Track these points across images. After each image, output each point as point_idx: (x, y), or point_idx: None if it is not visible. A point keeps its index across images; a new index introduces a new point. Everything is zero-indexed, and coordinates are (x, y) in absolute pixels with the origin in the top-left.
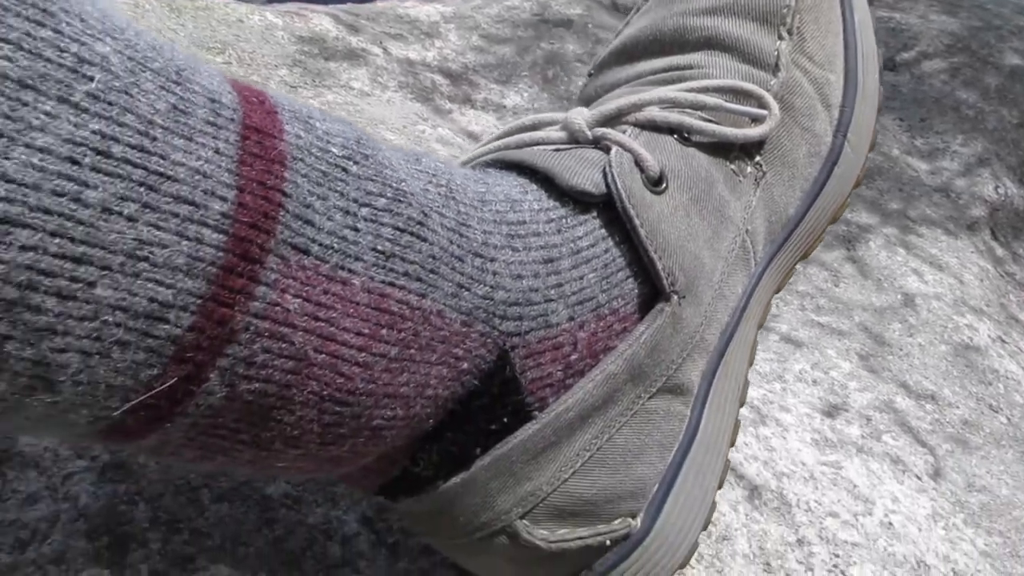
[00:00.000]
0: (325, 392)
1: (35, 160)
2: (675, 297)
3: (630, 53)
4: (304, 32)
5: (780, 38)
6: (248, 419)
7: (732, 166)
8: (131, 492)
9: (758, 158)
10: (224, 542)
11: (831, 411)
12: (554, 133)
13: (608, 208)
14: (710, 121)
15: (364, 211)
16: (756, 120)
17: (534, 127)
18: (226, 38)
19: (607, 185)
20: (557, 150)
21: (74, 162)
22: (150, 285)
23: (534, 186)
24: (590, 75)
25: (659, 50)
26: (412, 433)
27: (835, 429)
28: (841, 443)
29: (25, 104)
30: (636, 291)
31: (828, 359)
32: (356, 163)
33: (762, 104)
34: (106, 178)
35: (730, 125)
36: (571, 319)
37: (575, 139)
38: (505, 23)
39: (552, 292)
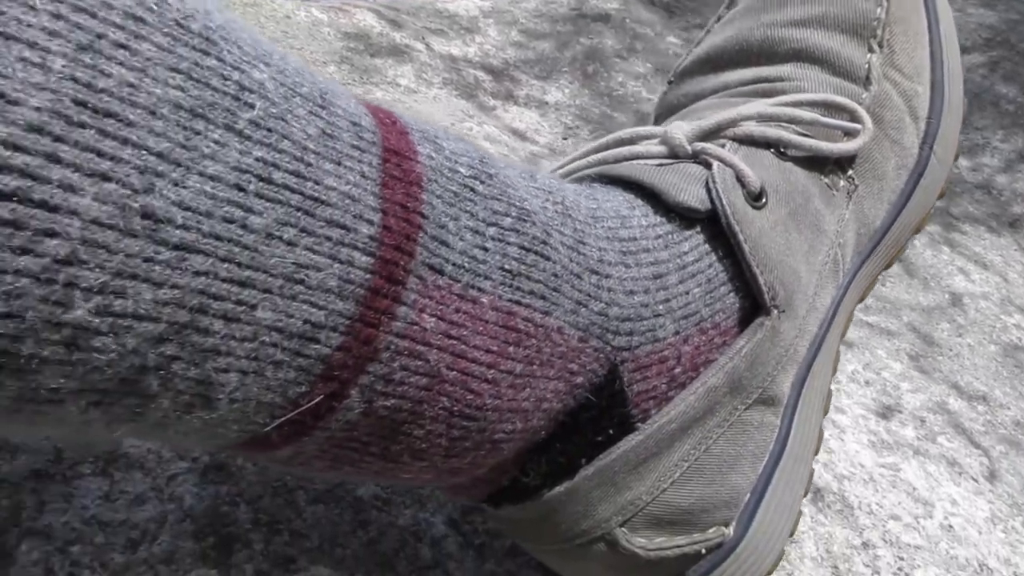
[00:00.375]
0: (455, 408)
1: (207, 188)
2: (775, 311)
3: (715, 62)
4: (349, 28)
5: (871, 51)
6: (380, 433)
7: (826, 180)
8: (232, 493)
9: (850, 171)
10: (322, 543)
11: (885, 412)
12: (653, 147)
13: (711, 223)
14: (806, 135)
15: (492, 230)
16: (849, 134)
17: (632, 141)
18: (275, 35)
19: (711, 201)
20: (660, 165)
21: (240, 189)
22: (305, 307)
23: (640, 202)
24: (670, 83)
25: (746, 60)
26: (525, 445)
27: (890, 431)
28: (897, 445)
29: (197, 133)
30: (737, 305)
31: (879, 359)
32: (482, 182)
33: (855, 118)
34: (268, 204)
35: (824, 139)
36: (676, 333)
37: (675, 153)
38: (543, 18)
39: (660, 307)
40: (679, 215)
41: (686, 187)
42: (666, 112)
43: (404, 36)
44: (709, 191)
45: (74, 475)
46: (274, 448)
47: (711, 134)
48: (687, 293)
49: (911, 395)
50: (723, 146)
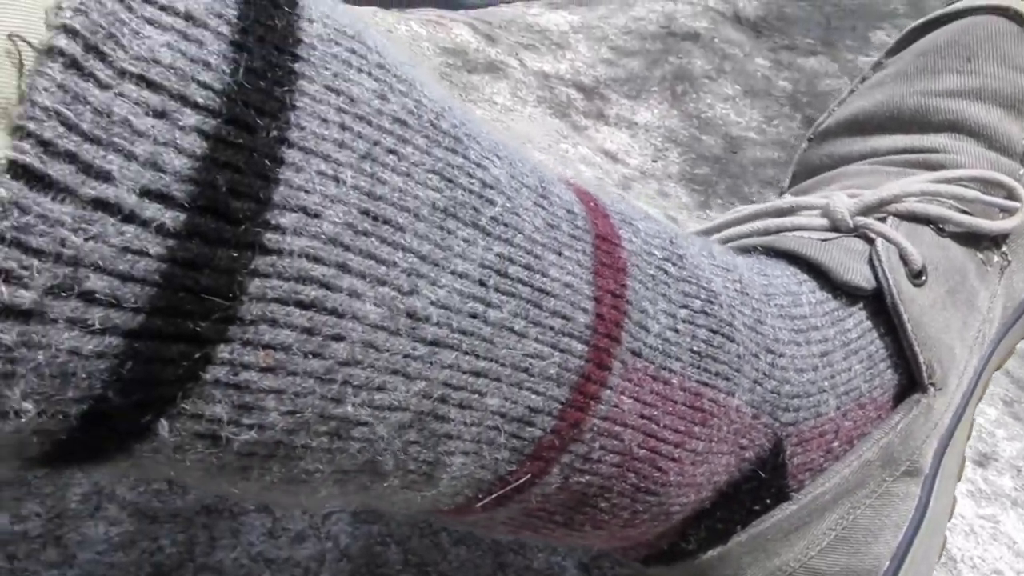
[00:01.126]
0: (641, 484)
1: (456, 285)
2: (931, 389)
3: (862, 126)
4: (447, 43)
5: None
6: (568, 504)
7: (981, 256)
8: (383, 534)
9: (1004, 247)
10: None
11: (982, 460)
12: (815, 220)
13: (874, 300)
14: (966, 212)
15: (682, 312)
16: (1006, 211)
17: (792, 211)
18: None
19: (876, 279)
20: (823, 240)
21: (483, 284)
22: (526, 393)
23: (806, 277)
24: (810, 140)
25: (897, 128)
26: (691, 514)
27: (988, 480)
28: (995, 495)
29: (450, 232)
30: (894, 381)
31: None
32: (674, 264)
33: (1013, 195)
34: (504, 297)
35: (981, 215)
36: (837, 408)
37: (836, 227)
38: (632, 35)
39: (825, 383)
40: (844, 292)
41: (852, 264)
42: (807, 171)
43: (499, 52)
44: (874, 269)
45: (240, 511)
46: (468, 514)
47: (873, 208)
48: (849, 369)
49: (1007, 443)
50: (884, 220)
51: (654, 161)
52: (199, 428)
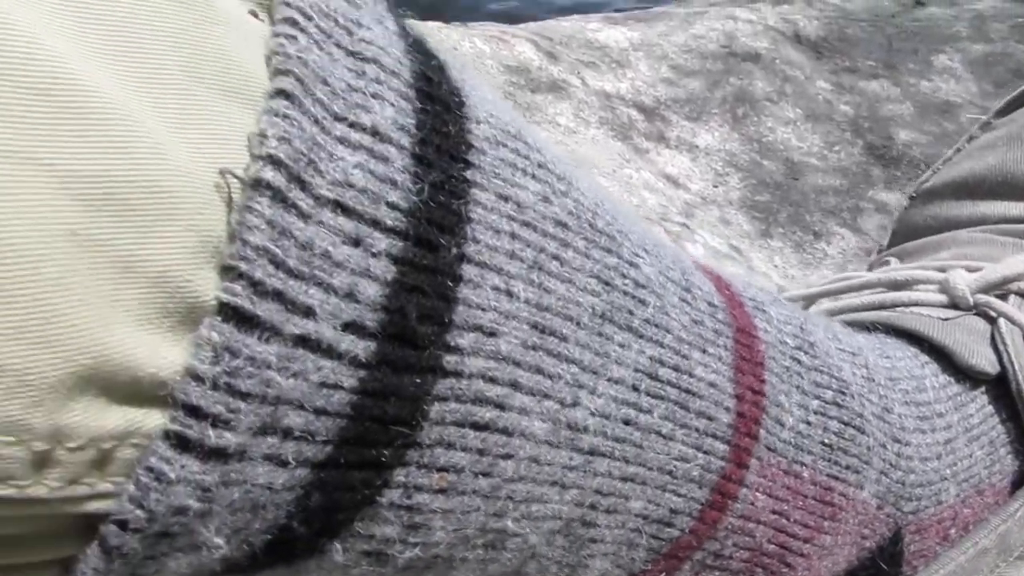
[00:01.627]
0: None
1: (612, 392)
2: None
3: (972, 190)
4: (510, 61)
5: None
6: None
7: None
8: None
9: None
10: None
11: None
12: (932, 295)
13: (996, 383)
14: None
15: (815, 404)
16: None
17: (908, 285)
18: None
19: (1000, 363)
20: (944, 319)
21: (635, 389)
22: (669, 496)
23: (927, 358)
24: (912, 198)
25: (1011, 194)
26: None
27: None
28: None
29: (607, 338)
30: (1013, 466)
31: None
32: (806, 353)
33: None
34: (654, 401)
35: None
36: (957, 495)
37: (955, 304)
38: (692, 54)
39: (947, 471)
40: (966, 375)
41: (975, 348)
42: (909, 232)
43: (561, 70)
44: (997, 351)
45: None
46: None
47: (994, 286)
48: (971, 456)
49: None
50: (1006, 298)
51: (715, 186)
52: (368, 547)
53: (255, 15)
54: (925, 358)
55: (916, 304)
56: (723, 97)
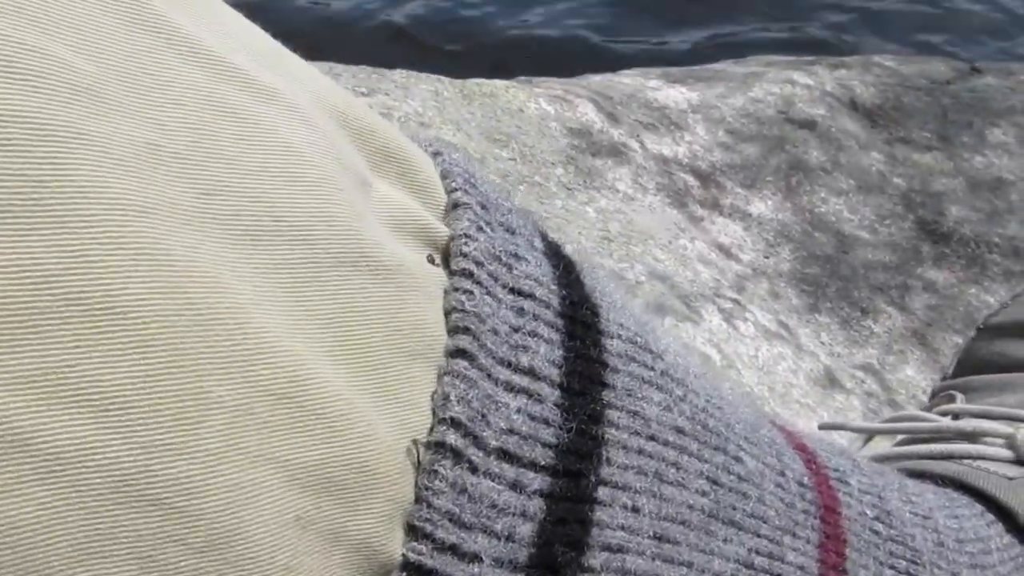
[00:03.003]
0: None
1: None
2: None
3: None
4: (573, 123)
5: None
6: None
7: None
8: None
9: None
10: None
11: None
12: (1000, 450)
13: None
14: None
15: (889, 573)
16: None
17: (973, 437)
18: (509, 129)
19: None
20: (1011, 480)
21: None
22: None
23: (993, 517)
24: (980, 330)
25: None
26: None
27: None
28: None
29: (711, 534)
30: None
31: None
32: (883, 523)
33: None
34: None
35: None
36: None
37: (1021, 460)
38: (750, 118)
39: None
40: None
41: None
42: (974, 365)
43: (621, 133)
44: None
45: None
46: None
47: None
48: None
49: None
50: None
51: (766, 257)
52: None
53: (432, 260)
54: (991, 517)
55: (983, 458)
56: (778, 165)
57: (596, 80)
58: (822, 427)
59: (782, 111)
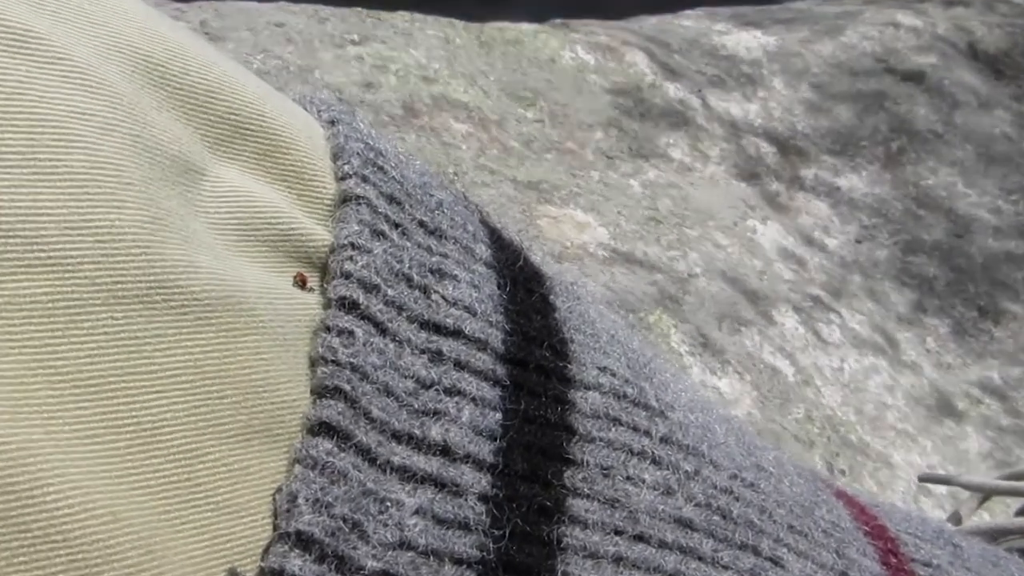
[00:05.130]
0: None
1: None
2: None
3: None
4: (618, 76)
5: None
6: None
7: None
8: None
9: None
10: None
11: None
12: None
13: None
14: None
15: None
16: None
17: None
18: (537, 84)
19: None
20: None
21: None
22: None
23: None
24: None
25: None
26: None
27: None
28: None
29: None
30: None
31: None
32: None
33: None
34: None
35: None
36: None
37: None
38: (840, 69)
39: None
40: None
41: None
42: None
43: (678, 88)
44: None
45: None
46: None
47: None
48: None
49: None
50: None
51: (858, 243)
52: None
53: (301, 283)
54: None
55: None
56: (875, 127)
57: (650, 23)
58: (923, 479)
59: (881, 59)
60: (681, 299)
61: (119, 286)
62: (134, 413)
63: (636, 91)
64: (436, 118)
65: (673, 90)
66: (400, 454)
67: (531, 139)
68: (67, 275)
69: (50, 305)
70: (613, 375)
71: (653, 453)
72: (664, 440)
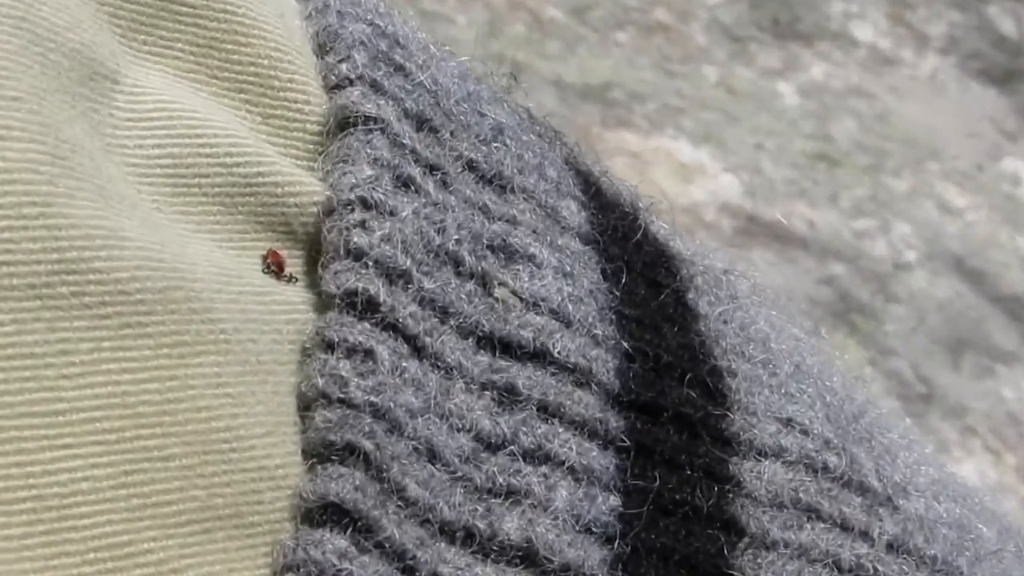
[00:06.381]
0: None
1: None
2: None
3: None
4: None
5: None
6: None
7: None
8: None
9: None
10: None
11: None
12: None
13: None
14: None
15: None
16: None
17: None
18: None
19: None
20: None
21: None
22: None
23: None
24: None
25: None
26: None
27: None
28: None
29: None
30: None
31: None
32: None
33: None
34: None
35: None
36: None
37: None
38: None
39: None
40: None
41: None
42: None
43: None
44: None
45: None
46: None
47: None
48: None
49: None
50: None
51: None
52: None
53: (275, 269)
54: None
55: None
56: None
57: None
58: None
59: None
60: (880, 309)
61: (1, 270)
62: (29, 481)
63: None
64: None
65: None
66: (453, 562)
67: (588, 5)
68: None
69: None
70: (804, 433)
71: (874, 570)
72: (893, 547)
